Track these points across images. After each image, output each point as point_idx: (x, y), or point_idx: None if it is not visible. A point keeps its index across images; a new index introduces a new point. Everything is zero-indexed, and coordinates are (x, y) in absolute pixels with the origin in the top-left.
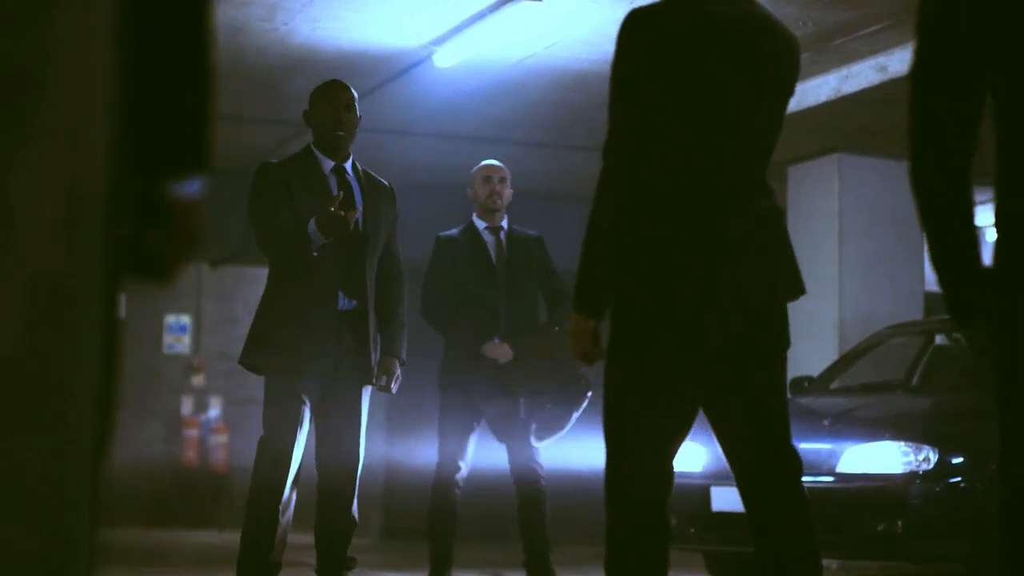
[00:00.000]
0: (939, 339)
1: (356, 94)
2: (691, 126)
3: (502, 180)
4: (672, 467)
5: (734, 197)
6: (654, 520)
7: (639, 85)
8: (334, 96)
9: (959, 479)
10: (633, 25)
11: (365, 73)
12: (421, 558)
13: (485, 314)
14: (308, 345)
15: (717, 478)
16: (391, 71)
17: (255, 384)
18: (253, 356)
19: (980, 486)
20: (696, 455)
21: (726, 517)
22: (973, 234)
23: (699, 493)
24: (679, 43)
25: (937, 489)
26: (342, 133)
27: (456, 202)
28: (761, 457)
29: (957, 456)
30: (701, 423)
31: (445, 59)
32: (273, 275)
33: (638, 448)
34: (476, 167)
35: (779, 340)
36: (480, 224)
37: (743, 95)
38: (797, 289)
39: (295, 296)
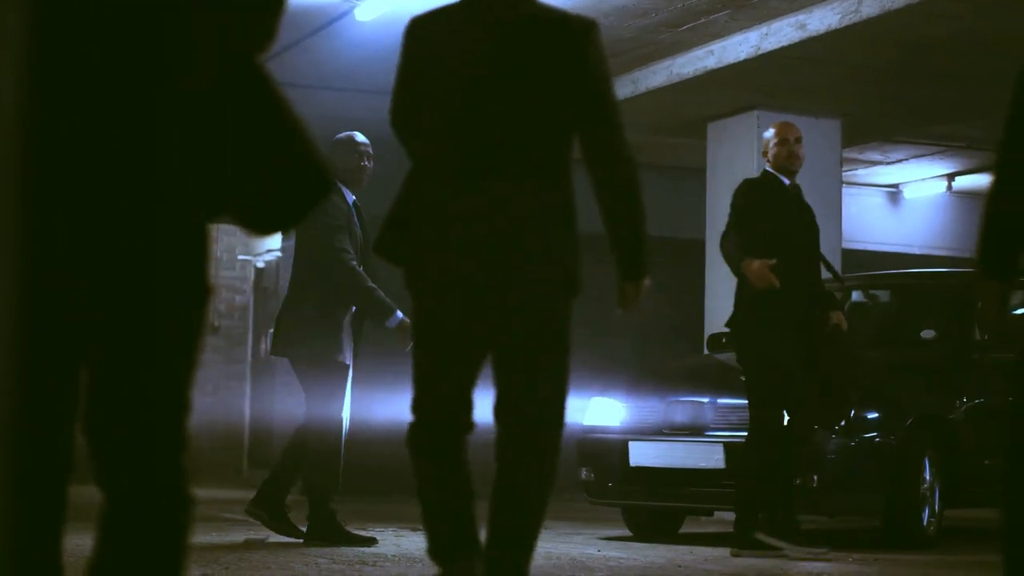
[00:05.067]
0: (855, 296)
1: None
2: (459, 118)
3: (798, 140)
4: (468, 397)
5: (499, 178)
6: (437, 438)
7: (416, 82)
8: (363, 145)
9: (874, 434)
10: (410, 30)
11: (286, 27)
12: (379, 518)
13: None
14: (347, 333)
15: (635, 433)
16: (312, 25)
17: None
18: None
19: (895, 440)
20: (614, 410)
21: (644, 472)
22: None
23: (618, 448)
24: (446, 45)
25: (852, 444)
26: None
27: (377, 156)
28: (507, 407)
29: (872, 411)
30: (618, 379)
31: (366, 13)
32: (310, 276)
33: (430, 379)
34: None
35: (542, 295)
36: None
37: (504, 88)
38: (571, 286)
39: (330, 295)
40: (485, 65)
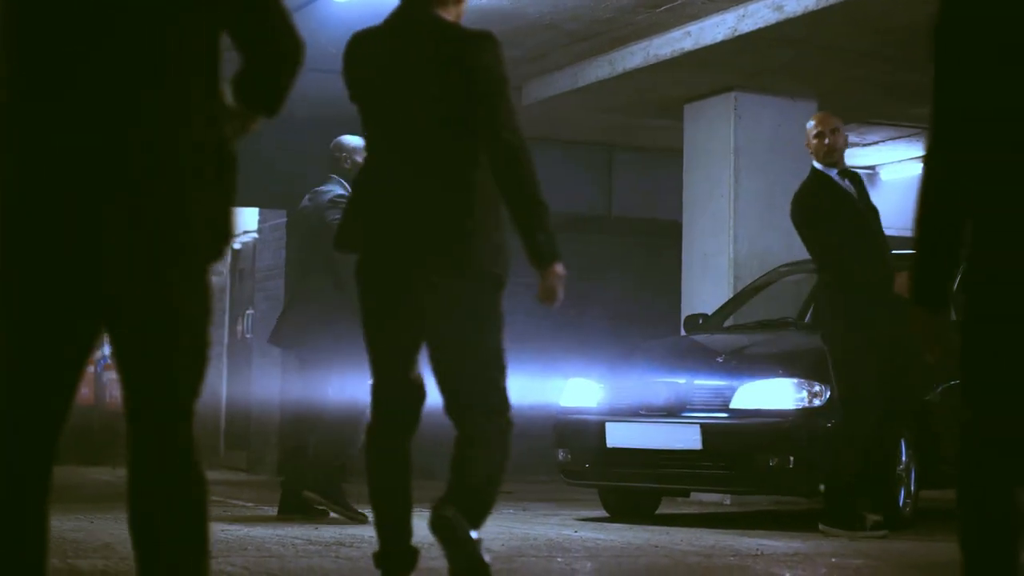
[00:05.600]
0: None
1: None
2: (382, 130)
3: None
4: (413, 377)
5: (414, 180)
6: (391, 418)
7: (356, 99)
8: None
9: None
10: (348, 50)
11: None
12: (357, 499)
13: None
14: None
15: (612, 414)
16: (287, 6)
17: None
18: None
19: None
20: (591, 392)
21: (621, 453)
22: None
23: (595, 429)
24: (375, 64)
25: (828, 425)
26: None
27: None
28: (442, 386)
29: None
30: (595, 360)
31: None
32: (319, 266)
33: (380, 363)
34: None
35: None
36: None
37: (418, 105)
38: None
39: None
40: (408, 83)
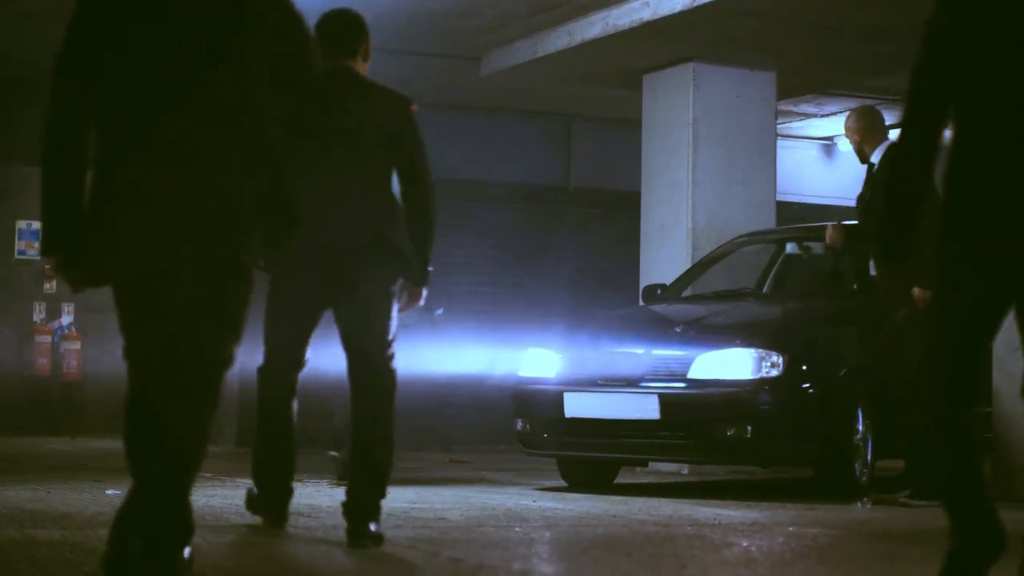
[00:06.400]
0: (790, 247)
1: None
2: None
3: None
4: (302, 352)
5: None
6: (279, 390)
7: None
8: None
9: (807, 385)
10: None
11: None
12: (315, 469)
13: None
14: None
15: (571, 384)
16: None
17: (107, 291)
18: None
19: (828, 391)
20: (550, 362)
21: (580, 423)
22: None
23: (553, 399)
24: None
25: (786, 395)
26: None
27: None
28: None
29: (806, 362)
30: (554, 330)
31: None
32: None
33: (277, 338)
34: None
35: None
36: None
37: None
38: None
39: None
40: (346, 125)
